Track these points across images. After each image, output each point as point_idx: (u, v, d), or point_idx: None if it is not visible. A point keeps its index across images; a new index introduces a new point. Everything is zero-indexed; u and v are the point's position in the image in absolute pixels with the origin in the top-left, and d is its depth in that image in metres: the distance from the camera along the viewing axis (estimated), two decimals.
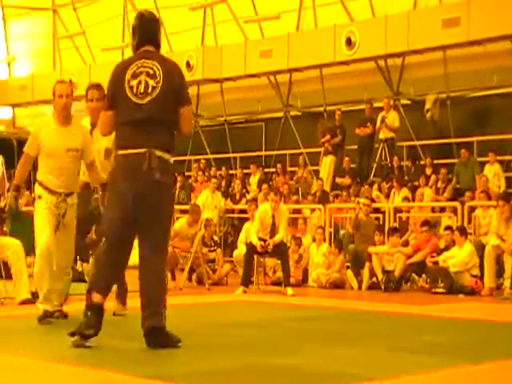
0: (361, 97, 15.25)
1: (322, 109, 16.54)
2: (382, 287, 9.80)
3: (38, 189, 6.02)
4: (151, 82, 4.68)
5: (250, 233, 9.86)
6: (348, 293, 9.90)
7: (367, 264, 10.13)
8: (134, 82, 4.68)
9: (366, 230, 10.81)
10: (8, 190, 14.99)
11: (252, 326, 6.18)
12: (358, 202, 11.21)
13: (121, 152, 4.72)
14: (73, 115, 6.14)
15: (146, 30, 4.94)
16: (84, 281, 10.63)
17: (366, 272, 10.17)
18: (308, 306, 8.07)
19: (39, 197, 5.98)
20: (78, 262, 11.06)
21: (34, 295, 6.89)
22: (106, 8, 20.32)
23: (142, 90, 4.67)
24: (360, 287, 10.18)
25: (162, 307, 4.80)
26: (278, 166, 15.62)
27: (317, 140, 15.20)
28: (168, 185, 4.82)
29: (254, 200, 12.90)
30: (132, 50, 5.02)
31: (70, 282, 6.35)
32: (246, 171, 15.95)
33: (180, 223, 10.73)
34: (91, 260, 10.78)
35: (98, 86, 6.44)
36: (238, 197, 14.65)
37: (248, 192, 14.87)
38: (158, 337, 4.69)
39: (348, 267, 10.58)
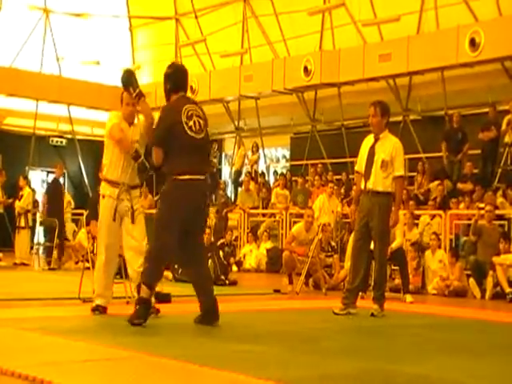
0: (484, 99, 14.72)
1: (442, 112, 16.11)
2: (508, 298, 9.37)
3: (102, 187, 6.44)
4: (202, 122, 5.90)
5: None
6: (470, 302, 9.55)
7: (491, 273, 9.74)
8: (191, 123, 5.81)
9: (490, 237, 10.40)
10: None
11: (372, 333, 6.09)
12: (479, 208, 10.82)
13: (183, 177, 5.71)
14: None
15: (183, 79, 6.06)
16: None
17: (489, 281, 9.77)
18: (428, 314, 7.85)
19: (103, 196, 6.39)
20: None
21: (158, 295, 7.09)
22: (226, 15, 20.75)
23: (198, 128, 5.84)
24: (483, 296, 9.80)
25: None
26: None
27: (437, 145, 14.81)
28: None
29: None
30: (166, 92, 6.02)
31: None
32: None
33: (297, 228, 10.73)
34: (210, 263, 11.06)
35: None
36: None
37: None
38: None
39: (469, 275, 10.22)
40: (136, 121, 6.64)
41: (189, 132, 5.77)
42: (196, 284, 6.03)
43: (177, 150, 5.76)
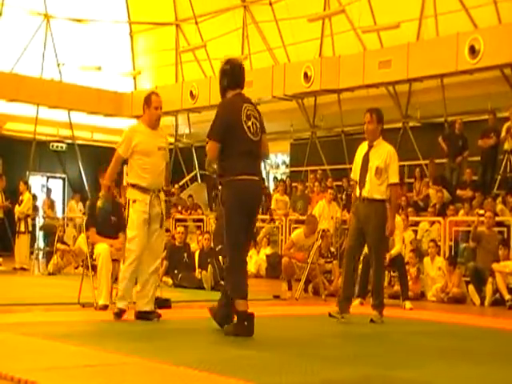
0: (484, 107, 14.75)
1: (442, 119, 16.14)
2: (507, 305, 9.37)
3: (131, 193, 6.43)
4: (258, 124, 5.78)
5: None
6: (469, 308, 9.55)
7: (490, 280, 9.75)
8: (250, 123, 5.71)
9: (489, 244, 10.41)
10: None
11: (371, 339, 6.09)
12: (479, 214, 10.83)
13: (240, 177, 5.63)
14: None
15: (240, 75, 5.87)
16: (203, 288, 10.89)
17: (488, 288, 9.78)
18: (427, 321, 7.86)
19: (134, 201, 6.38)
20: (197, 270, 11.35)
21: (157, 300, 7.10)
22: (227, 21, 20.80)
23: (254, 130, 5.74)
24: (482, 303, 9.80)
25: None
26: None
27: (436, 152, 14.84)
28: None
29: None
30: (222, 89, 5.89)
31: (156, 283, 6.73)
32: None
33: (297, 234, 10.74)
34: (209, 268, 11.06)
35: None
36: None
37: None
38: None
39: (468, 282, 10.23)
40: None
41: (248, 133, 5.69)
42: None
43: (234, 150, 5.65)
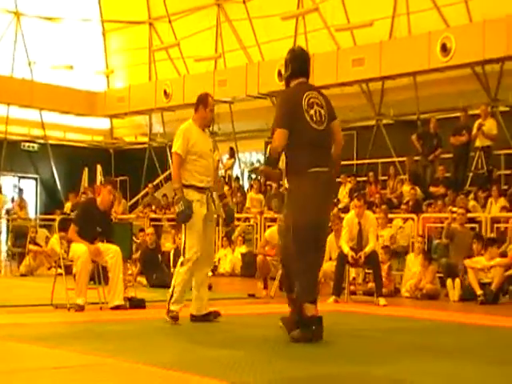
0: (456, 104, 14.89)
1: (415, 117, 16.26)
2: (478, 300, 9.47)
3: (189, 194, 6.25)
4: (323, 112, 5.44)
5: (341, 242, 9.74)
6: (443, 304, 9.63)
7: (460, 275, 9.83)
8: (312, 112, 5.38)
9: (462, 240, 10.50)
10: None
11: (344, 336, 6.10)
12: (452, 211, 10.92)
13: (310, 170, 5.30)
14: None
15: (302, 63, 5.61)
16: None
17: (457, 282, 9.85)
18: (401, 317, 7.91)
19: (191, 201, 6.23)
20: (172, 269, 11.30)
21: (132, 300, 7.06)
22: (200, 19, 20.74)
23: (318, 119, 5.40)
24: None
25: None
26: (370, 174, 15.43)
27: (410, 149, 14.95)
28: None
29: (346, 209, 12.80)
30: (285, 80, 5.69)
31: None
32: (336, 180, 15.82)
33: (271, 232, 10.74)
34: None
35: None
36: None
37: (339, 201, 14.77)
38: None
39: (441, 278, 10.31)
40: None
41: (310, 122, 5.34)
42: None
43: (298, 142, 5.31)
